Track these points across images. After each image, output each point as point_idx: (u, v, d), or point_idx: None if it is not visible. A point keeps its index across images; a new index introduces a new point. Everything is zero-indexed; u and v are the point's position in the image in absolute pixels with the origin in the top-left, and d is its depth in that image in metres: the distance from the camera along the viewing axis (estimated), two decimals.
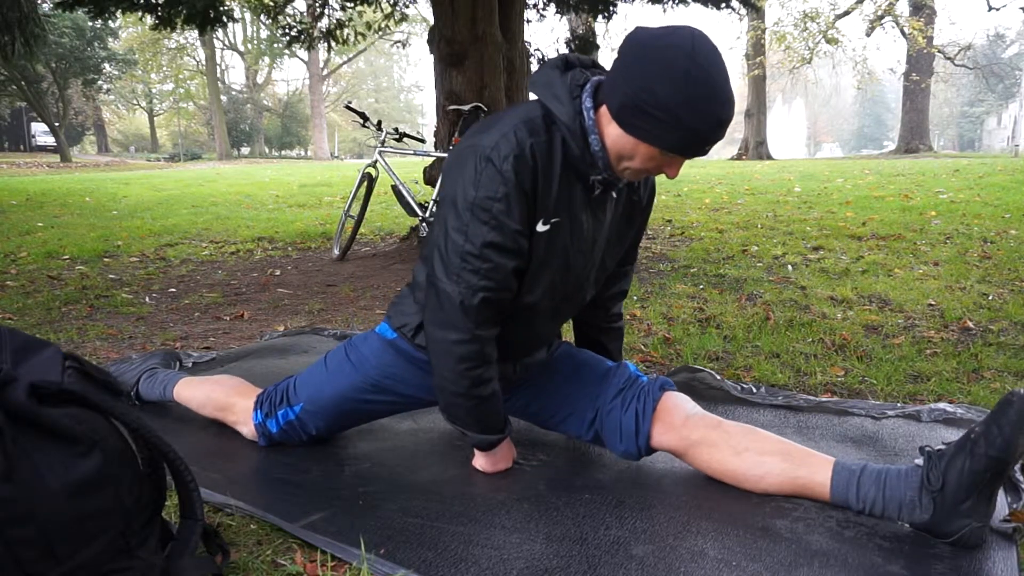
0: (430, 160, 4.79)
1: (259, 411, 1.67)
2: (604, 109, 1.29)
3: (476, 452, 1.57)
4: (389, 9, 6.89)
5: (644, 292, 3.42)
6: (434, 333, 1.39)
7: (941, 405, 1.88)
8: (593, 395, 1.56)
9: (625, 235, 1.57)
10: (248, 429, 1.70)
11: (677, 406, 1.49)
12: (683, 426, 1.46)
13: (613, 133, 1.28)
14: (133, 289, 3.86)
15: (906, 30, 20.31)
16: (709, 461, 1.45)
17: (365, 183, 4.87)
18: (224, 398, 1.75)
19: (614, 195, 1.46)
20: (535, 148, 1.30)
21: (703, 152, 1.26)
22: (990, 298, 3.09)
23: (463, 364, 1.37)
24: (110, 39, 27.65)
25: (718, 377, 2.14)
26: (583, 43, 6.84)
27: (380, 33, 8.64)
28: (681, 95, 1.17)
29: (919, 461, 1.30)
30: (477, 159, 1.29)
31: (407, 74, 57.66)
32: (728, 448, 1.42)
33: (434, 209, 4.47)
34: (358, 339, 1.64)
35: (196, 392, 1.82)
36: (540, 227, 1.35)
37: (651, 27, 1.23)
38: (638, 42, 1.21)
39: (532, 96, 1.37)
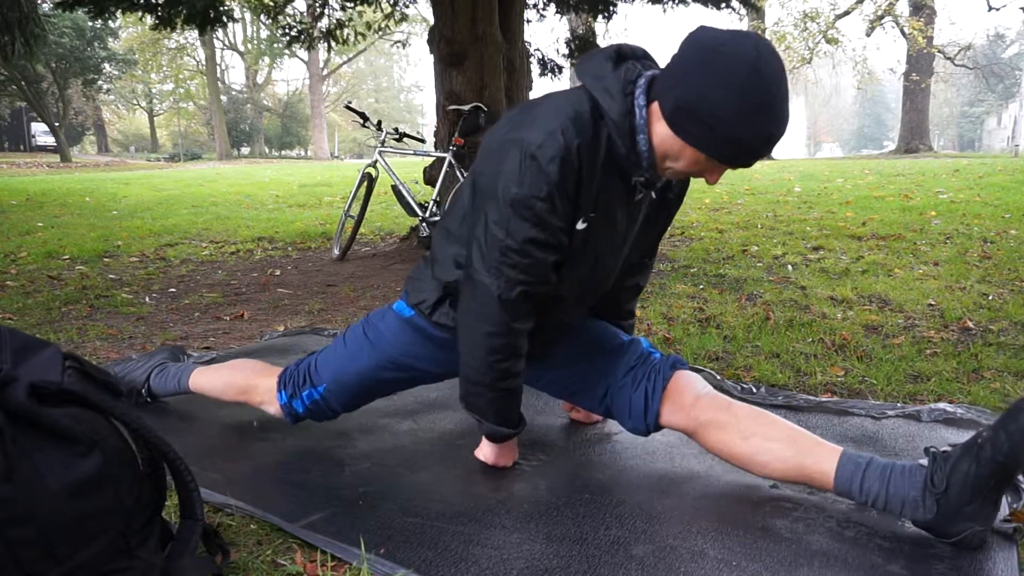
0: (430, 160, 4.79)
1: (283, 392, 1.67)
2: (655, 106, 1.26)
3: (483, 443, 1.58)
4: (389, 9, 6.89)
5: (644, 292, 3.42)
6: (468, 323, 1.38)
7: (941, 405, 1.88)
8: (605, 371, 1.56)
9: (653, 230, 1.57)
10: (274, 408, 1.69)
11: (688, 386, 1.48)
12: (692, 407, 1.46)
13: (662, 132, 1.26)
14: (133, 289, 3.86)
15: (906, 30, 20.32)
16: (716, 443, 1.44)
17: (365, 183, 4.87)
18: (244, 380, 1.74)
19: (653, 194, 1.45)
20: (581, 148, 1.27)
21: (748, 165, 1.24)
22: (990, 298, 3.08)
23: (494, 356, 1.37)
24: (110, 39, 27.65)
25: (718, 377, 2.14)
26: (583, 43, 6.84)
27: (380, 33, 8.65)
28: (737, 106, 1.15)
29: (924, 462, 1.29)
30: (522, 155, 1.26)
31: (407, 74, 57.73)
32: (736, 432, 1.42)
33: (434, 209, 4.47)
34: (375, 316, 1.63)
35: (214, 379, 1.81)
36: (579, 224, 1.34)
37: (716, 29, 1.20)
38: (701, 44, 1.19)
39: (579, 83, 1.34)
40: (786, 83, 1.19)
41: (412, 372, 1.60)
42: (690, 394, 1.47)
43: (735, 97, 1.15)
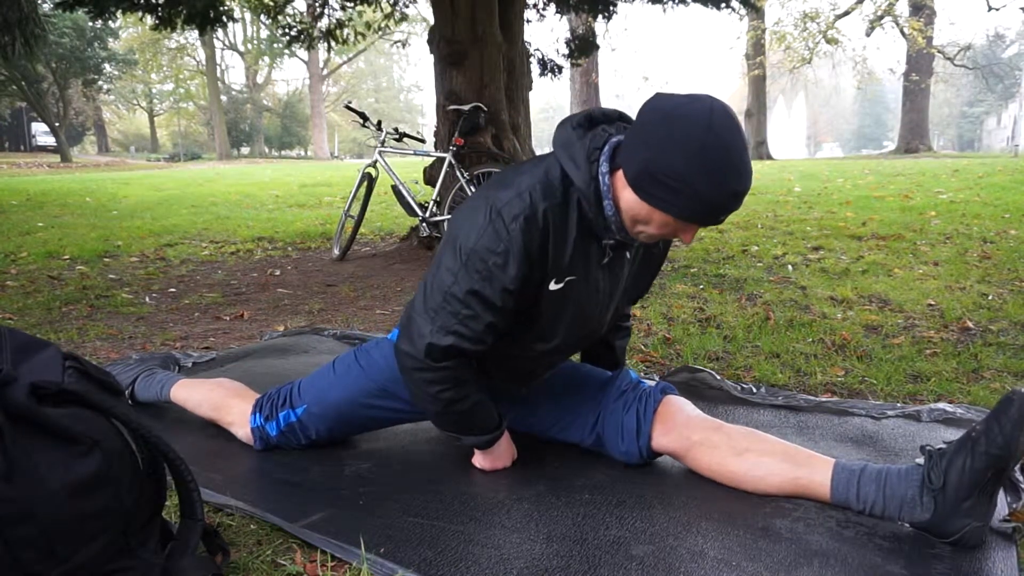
0: (430, 160, 4.79)
1: (258, 414, 1.67)
2: (620, 173, 1.27)
3: (475, 451, 1.58)
4: (389, 9, 6.89)
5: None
6: (402, 362, 1.40)
7: (941, 405, 1.88)
8: (595, 400, 1.58)
9: (642, 279, 1.60)
10: (244, 432, 1.69)
11: (678, 409, 1.51)
12: (684, 427, 1.47)
13: (628, 198, 1.27)
14: (133, 289, 3.86)
15: (906, 30, 20.31)
16: (710, 463, 1.46)
17: (365, 183, 4.87)
18: (221, 399, 1.75)
19: (627, 254, 1.46)
20: (548, 211, 1.29)
21: (718, 221, 1.25)
22: (990, 298, 3.09)
23: (433, 388, 1.39)
24: (110, 39, 27.67)
25: (718, 377, 2.14)
26: (583, 43, 6.85)
27: (380, 33, 8.65)
28: (697, 166, 1.16)
29: (920, 460, 1.30)
30: (489, 210, 1.29)
31: (407, 74, 57.64)
32: (729, 449, 1.43)
33: (434, 209, 4.47)
34: (370, 345, 1.65)
35: (193, 392, 1.82)
36: (553, 286, 1.35)
37: (672, 94, 1.22)
38: (657, 109, 1.20)
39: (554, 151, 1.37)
40: (743, 138, 1.20)
41: (398, 402, 1.60)
42: (681, 416, 1.49)
43: (696, 158, 1.16)
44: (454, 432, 1.50)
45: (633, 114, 1.30)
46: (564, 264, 1.34)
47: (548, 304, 1.37)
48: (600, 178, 1.28)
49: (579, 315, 1.43)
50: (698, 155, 1.16)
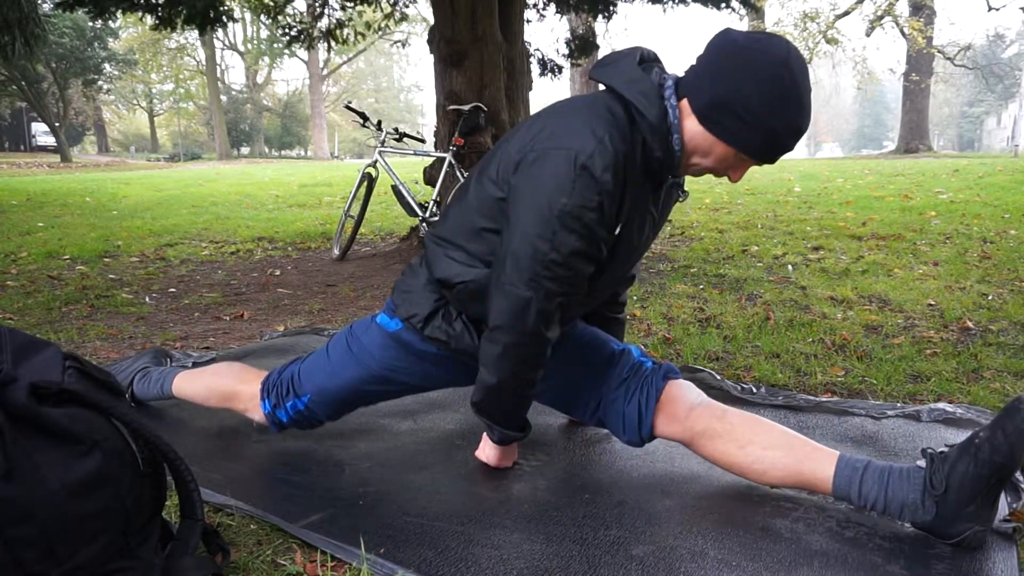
0: (430, 160, 4.79)
1: (267, 401, 1.66)
2: (684, 103, 1.28)
3: (485, 443, 1.57)
4: (389, 9, 6.89)
5: (644, 292, 3.42)
6: (500, 337, 1.34)
7: (941, 405, 1.88)
8: (596, 382, 1.55)
9: (662, 225, 1.58)
10: (259, 415, 1.68)
11: (681, 396, 1.48)
12: (687, 417, 1.46)
13: (692, 129, 1.28)
14: (133, 289, 3.86)
15: (906, 30, 20.31)
16: (713, 452, 1.45)
17: (365, 183, 4.87)
18: (227, 387, 1.73)
19: (677, 193, 1.47)
20: (627, 156, 1.28)
21: (773, 160, 1.27)
22: (990, 298, 3.09)
23: (521, 366, 1.37)
24: (110, 39, 27.66)
25: (718, 377, 2.14)
26: (583, 43, 6.84)
27: (380, 33, 8.65)
28: (772, 99, 1.20)
29: (921, 463, 1.29)
30: (572, 165, 1.25)
31: (407, 74, 57.72)
32: (732, 440, 1.42)
33: (434, 209, 4.47)
34: (358, 328, 1.60)
35: (197, 384, 1.79)
36: (616, 231, 1.34)
37: (743, 31, 1.24)
38: (734, 44, 1.22)
39: (602, 87, 1.35)
40: (810, 82, 1.24)
41: (397, 386, 1.59)
42: (684, 405, 1.47)
43: (768, 91, 1.19)
44: (493, 419, 1.47)
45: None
46: (627, 206, 1.33)
47: (609, 248, 1.35)
48: (670, 111, 1.28)
49: (623, 260, 1.42)
50: (774, 89, 1.19)
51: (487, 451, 1.57)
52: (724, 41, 1.23)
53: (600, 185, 1.25)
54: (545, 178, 1.27)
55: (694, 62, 1.28)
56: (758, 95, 1.19)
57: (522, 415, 1.49)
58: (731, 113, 1.22)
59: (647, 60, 1.34)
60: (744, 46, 1.21)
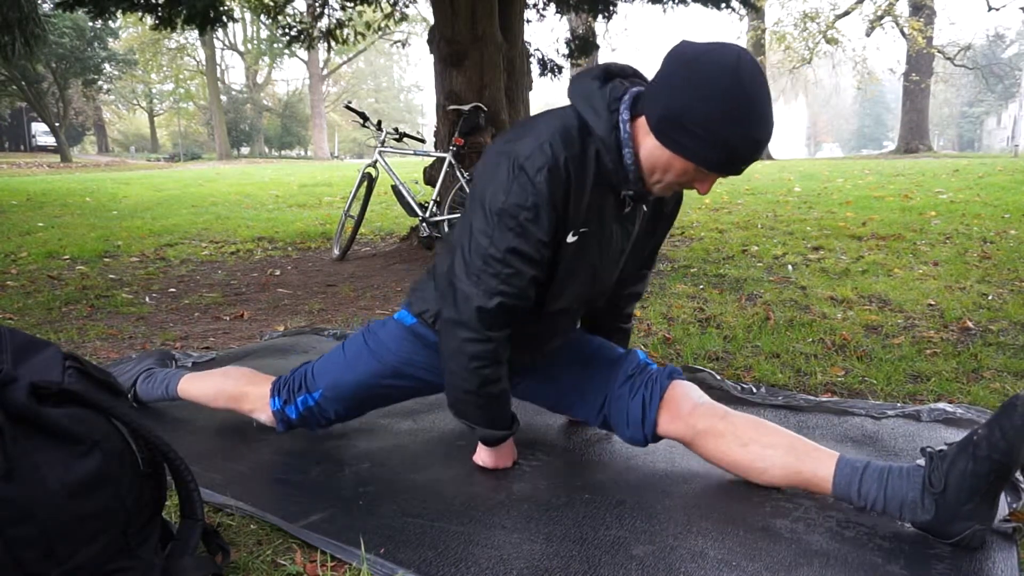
0: (430, 160, 4.79)
1: (277, 398, 1.67)
2: (642, 120, 1.28)
3: (479, 448, 1.58)
4: (389, 9, 6.89)
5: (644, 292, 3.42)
6: (447, 331, 1.40)
7: (941, 405, 1.88)
8: (602, 381, 1.57)
9: (647, 243, 1.60)
10: (266, 415, 1.69)
11: (684, 395, 1.50)
12: (689, 415, 1.47)
13: (649, 145, 1.28)
14: (133, 289, 3.86)
15: (906, 30, 20.31)
16: (714, 451, 1.46)
17: (365, 183, 4.87)
18: (235, 388, 1.74)
19: (644, 207, 1.47)
20: (569, 161, 1.30)
21: (738, 171, 1.25)
22: (990, 298, 3.08)
23: (475, 363, 1.38)
24: (110, 39, 27.67)
25: (718, 377, 2.14)
26: (583, 43, 6.84)
27: (380, 33, 8.65)
28: (721, 112, 1.17)
29: (921, 462, 1.30)
30: (511, 166, 1.29)
31: (407, 74, 57.68)
32: (734, 439, 1.43)
33: (434, 209, 4.47)
34: (375, 325, 1.64)
35: (204, 386, 1.80)
36: (569, 238, 1.36)
37: (697, 41, 1.23)
38: (683, 56, 1.21)
39: (568, 103, 1.37)
40: (767, 88, 1.21)
41: (411, 381, 1.61)
42: (687, 403, 1.49)
43: (719, 103, 1.17)
44: (472, 420, 1.49)
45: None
46: (581, 215, 1.34)
47: (563, 258, 1.37)
48: (621, 126, 1.29)
49: (590, 271, 1.43)
50: (723, 101, 1.17)
51: (482, 455, 1.58)
52: (676, 53, 1.22)
53: (535, 186, 1.28)
54: (491, 178, 1.32)
55: (653, 76, 1.27)
56: (710, 109, 1.17)
57: (501, 412, 1.49)
58: (683, 128, 1.21)
59: (616, 75, 1.35)
60: (692, 58, 1.20)
